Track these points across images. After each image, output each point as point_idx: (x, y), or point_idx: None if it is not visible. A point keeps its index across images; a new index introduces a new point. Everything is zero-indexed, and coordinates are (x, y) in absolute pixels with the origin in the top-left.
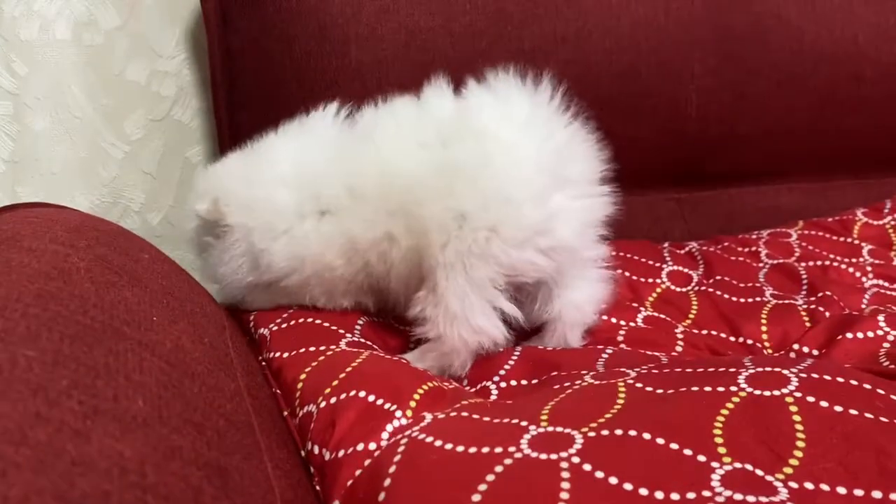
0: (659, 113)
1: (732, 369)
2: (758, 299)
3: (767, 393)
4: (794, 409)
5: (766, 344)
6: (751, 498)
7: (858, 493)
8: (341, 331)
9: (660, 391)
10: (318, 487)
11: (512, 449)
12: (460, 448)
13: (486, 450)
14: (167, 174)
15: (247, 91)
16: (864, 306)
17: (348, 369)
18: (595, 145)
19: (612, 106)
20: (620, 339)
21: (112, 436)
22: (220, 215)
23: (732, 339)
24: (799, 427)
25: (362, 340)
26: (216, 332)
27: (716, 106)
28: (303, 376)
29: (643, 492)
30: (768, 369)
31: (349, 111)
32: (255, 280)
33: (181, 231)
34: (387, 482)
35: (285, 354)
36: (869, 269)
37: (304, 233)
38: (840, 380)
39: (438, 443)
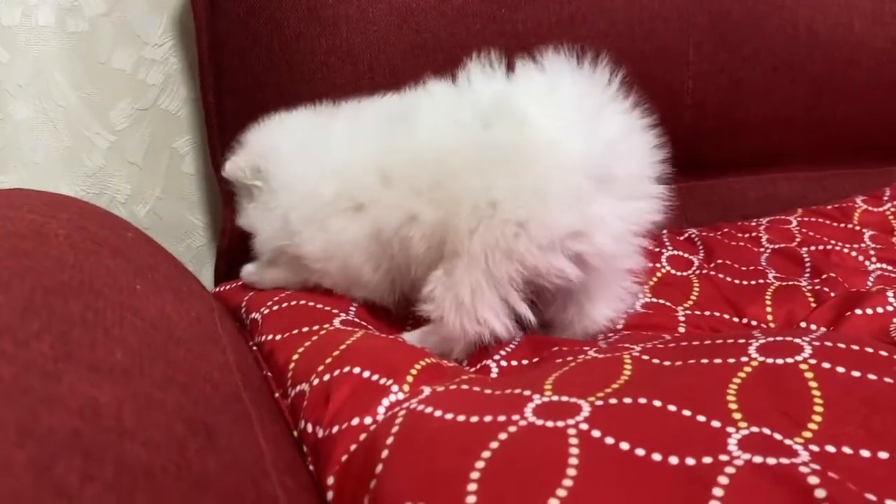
0: (655, 100)
1: (742, 340)
2: (761, 281)
3: (780, 361)
4: (809, 375)
5: (772, 324)
6: (771, 460)
7: (883, 455)
8: (335, 311)
9: (667, 363)
10: (311, 467)
11: (516, 417)
12: (461, 418)
13: (488, 418)
14: (154, 164)
15: (235, 76)
16: (868, 288)
17: (342, 347)
18: (652, 139)
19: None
20: (620, 325)
21: (86, 380)
22: (258, 179)
23: (736, 319)
24: (816, 393)
25: (357, 320)
26: (204, 310)
27: (712, 92)
28: (295, 356)
29: (656, 457)
30: (780, 339)
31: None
32: (283, 248)
33: (168, 223)
34: (384, 454)
35: (277, 337)
36: (872, 252)
37: (338, 230)
38: (855, 347)
39: (438, 413)
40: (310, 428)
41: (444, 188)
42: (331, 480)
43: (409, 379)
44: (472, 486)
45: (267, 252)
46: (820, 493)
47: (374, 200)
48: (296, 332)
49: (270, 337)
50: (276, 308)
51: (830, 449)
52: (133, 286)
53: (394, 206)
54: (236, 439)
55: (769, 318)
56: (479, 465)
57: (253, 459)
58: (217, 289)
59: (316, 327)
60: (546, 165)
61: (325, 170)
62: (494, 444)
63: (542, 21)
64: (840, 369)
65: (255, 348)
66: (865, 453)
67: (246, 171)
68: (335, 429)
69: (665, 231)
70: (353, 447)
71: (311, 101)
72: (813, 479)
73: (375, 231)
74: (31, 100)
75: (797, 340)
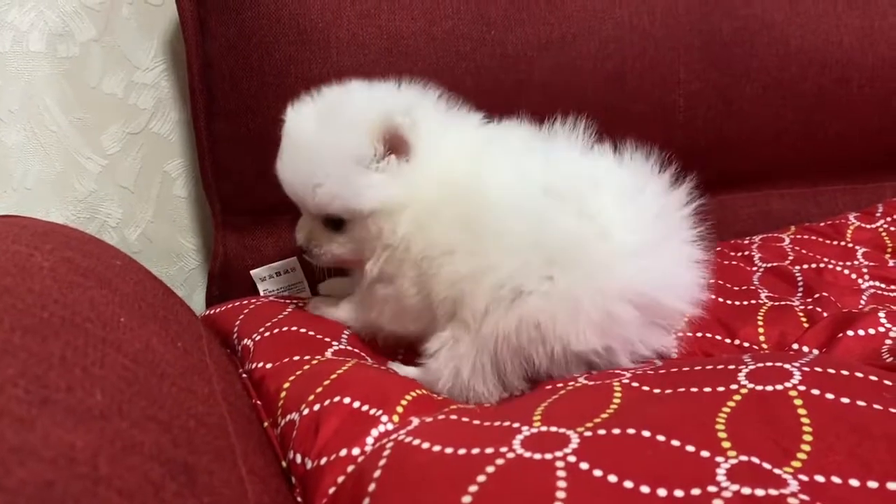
0: (646, 119)
1: (732, 366)
2: (753, 301)
3: (770, 388)
4: (798, 402)
5: (764, 346)
6: (759, 491)
7: (872, 485)
8: (327, 339)
9: (657, 391)
10: (299, 499)
11: (504, 449)
12: (449, 450)
13: (476, 451)
14: (145, 188)
15: (225, 99)
16: (861, 307)
17: (333, 376)
18: (703, 273)
19: (598, 112)
20: None
21: (61, 426)
22: (408, 139)
23: (728, 341)
24: (805, 420)
25: (349, 349)
26: (191, 339)
27: (703, 111)
28: (286, 385)
29: (644, 489)
30: (769, 364)
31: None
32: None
33: (160, 246)
34: (371, 487)
35: (268, 365)
36: (864, 270)
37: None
38: (845, 372)
39: (426, 445)
40: (298, 459)
41: (484, 240)
42: None
43: (399, 409)
44: None
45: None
46: None
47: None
48: (287, 360)
49: (262, 364)
50: (267, 335)
51: (819, 479)
52: (117, 319)
53: (443, 229)
54: (218, 478)
55: (761, 338)
56: (467, 499)
57: (234, 498)
58: (208, 311)
59: (308, 357)
60: (592, 277)
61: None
62: (482, 478)
63: (532, 43)
64: (829, 396)
65: (244, 376)
66: (855, 483)
67: (411, 134)
68: (323, 460)
69: None
70: (340, 479)
71: None
72: None
73: (422, 246)
74: (23, 125)
75: (787, 366)
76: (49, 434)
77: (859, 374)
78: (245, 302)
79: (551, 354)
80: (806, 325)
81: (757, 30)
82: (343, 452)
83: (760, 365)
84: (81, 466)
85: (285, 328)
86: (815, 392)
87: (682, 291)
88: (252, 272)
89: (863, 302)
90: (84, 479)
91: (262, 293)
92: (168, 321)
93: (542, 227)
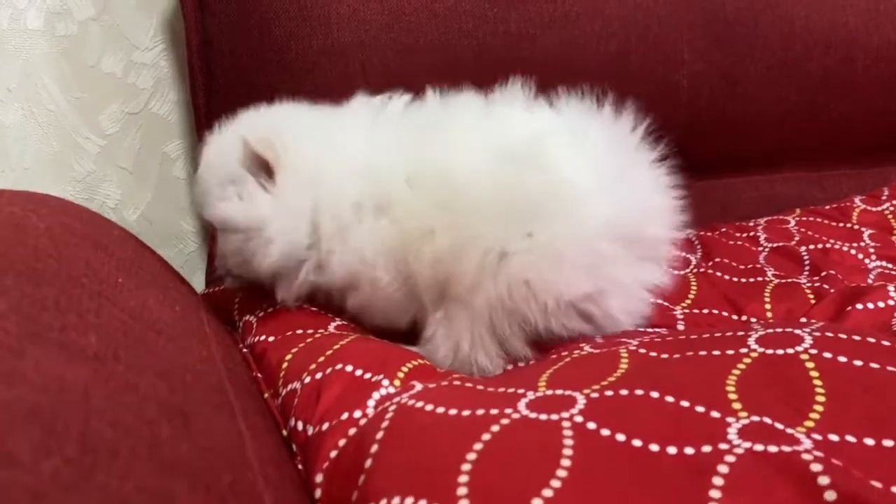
0: (649, 99)
1: (741, 333)
2: (759, 279)
3: (781, 351)
4: (810, 365)
5: (771, 322)
6: (773, 448)
7: (888, 443)
8: (329, 314)
9: (665, 355)
10: (300, 467)
11: (509, 410)
12: (453, 411)
13: (480, 412)
14: (145, 169)
15: (225, 77)
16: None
17: (336, 347)
18: (677, 198)
19: (601, 92)
20: None
21: (52, 360)
22: (276, 158)
23: (735, 317)
24: (817, 382)
25: (351, 325)
26: (190, 307)
27: (707, 91)
28: (288, 357)
29: (654, 447)
30: (780, 330)
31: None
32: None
33: (159, 228)
34: (374, 448)
35: (271, 338)
36: (871, 250)
37: (360, 238)
38: (857, 337)
39: (429, 407)
40: (300, 426)
41: (463, 214)
42: (319, 478)
43: (401, 375)
44: (463, 479)
45: (275, 260)
46: (823, 480)
47: (398, 201)
48: (290, 333)
49: (263, 338)
50: (270, 310)
51: (833, 438)
52: (115, 279)
53: (416, 213)
54: (216, 427)
55: (769, 315)
56: (471, 457)
57: (233, 448)
58: (208, 290)
59: (311, 330)
60: (569, 224)
61: (350, 167)
62: (487, 437)
63: (535, 21)
64: (842, 358)
65: (245, 350)
66: (870, 441)
67: (268, 152)
68: (325, 426)
69: None
70: (342, 443)
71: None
72: (816, 467)
73: (398, 237)
74: (20, 104)
75: (797, 331)
76: (40, 364)
77: (871, 339)
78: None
79: (545, 308)
80: (813, 301)
81: (761, 9)
82: (345, 416)
83: (770, 331)
84: (72, 395)
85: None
86: (828, 355)
87: (656, 216)
88: None
89: (870, 280)
90: (74, 408)
91: None
92: (167, 288)
93: (512, 191)
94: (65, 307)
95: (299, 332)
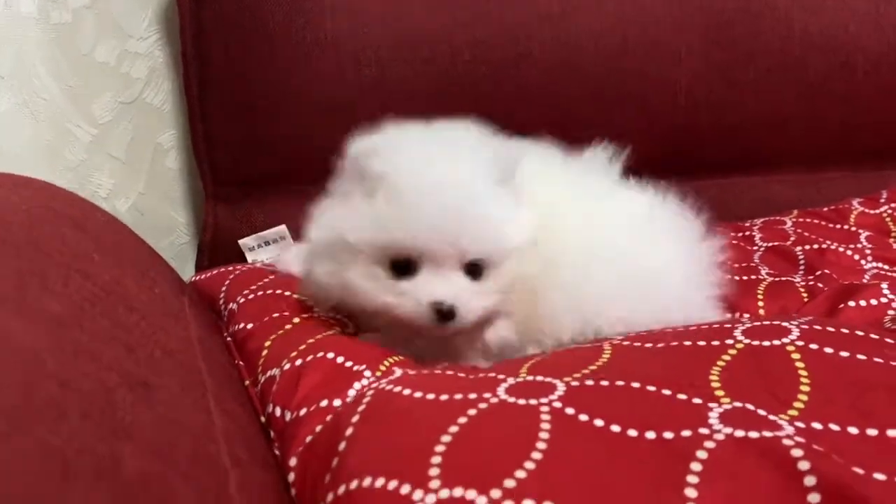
0: (646, 98)
1: (728, 325)
2: (753, 277)
3: (767, 343)
4: (796, 356)
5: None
6: (753, 433)
7: (872, 432)
8: (310, 302)
9: (648, 345)
10: (276, 452)
11: (488, 395)
12: (431, 395)
13: (459, 396)
14: (137, 159)
15: (219, 67)
16: None
17: (318, 336)
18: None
19: (598, 90)
20: None
21: (7, 321)
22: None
23: (728, 314)
24: (803, 373)
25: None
26: (172, 291)
27: (705, 92)
28: (268, 343)
29: (632, 433)
30: (766, 323)
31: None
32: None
33: (151, 219)
34: (349, 431)
35: (250, 325)
36: (867, 252)
37: None
38: (844, 330)
39: (407, 392)
40: (278, 411)
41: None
42: (293, 461)
43: (383, 367)
44: (436, 459)
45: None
46: (804, 465)
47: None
48: (266, 319)
49: (244, 325)
50: (252, 297)
51: (817, 426)
52: (90, 256)
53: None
54: (182, 402)
55: (761, 312)
56: (446, 438)
57: (198, 424)
58: (196, 277)
59: (287, 313)
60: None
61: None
62: (463, 420)
63: (532, 15)
64: (828, 350)
65: (229, 339)
66: (853, 430)
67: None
68: (303, 411)
69: None
70: (318, 428)
71: (296, 93)
72: (797, 452)
73: None
74: (12, 91)
75: (784, 324)
76: None
77: (859, 333)
78: (231, 268)
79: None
80: (807, 299)
81: (760, 10)
82: (324, 403)
83: (757, 324)
84: (25, 354)
85: (269, 291)
86: (814, 346)
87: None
88: (240, 241)
89: (865, 281)
90: (24, 366)
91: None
92: (147, 270)
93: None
94: (28, 274)
95: (276, 315)
